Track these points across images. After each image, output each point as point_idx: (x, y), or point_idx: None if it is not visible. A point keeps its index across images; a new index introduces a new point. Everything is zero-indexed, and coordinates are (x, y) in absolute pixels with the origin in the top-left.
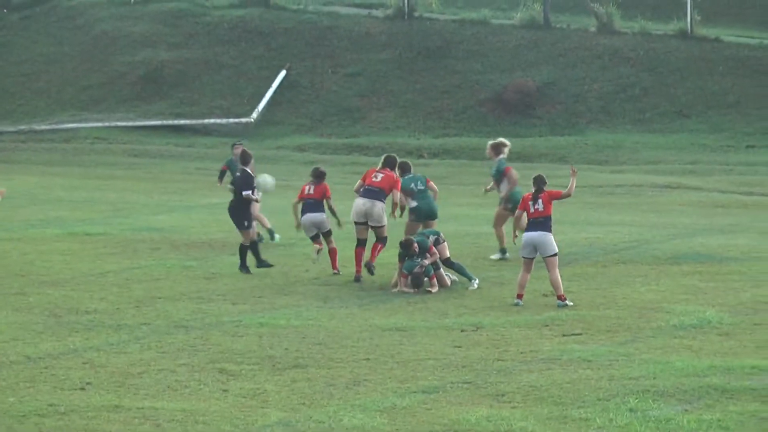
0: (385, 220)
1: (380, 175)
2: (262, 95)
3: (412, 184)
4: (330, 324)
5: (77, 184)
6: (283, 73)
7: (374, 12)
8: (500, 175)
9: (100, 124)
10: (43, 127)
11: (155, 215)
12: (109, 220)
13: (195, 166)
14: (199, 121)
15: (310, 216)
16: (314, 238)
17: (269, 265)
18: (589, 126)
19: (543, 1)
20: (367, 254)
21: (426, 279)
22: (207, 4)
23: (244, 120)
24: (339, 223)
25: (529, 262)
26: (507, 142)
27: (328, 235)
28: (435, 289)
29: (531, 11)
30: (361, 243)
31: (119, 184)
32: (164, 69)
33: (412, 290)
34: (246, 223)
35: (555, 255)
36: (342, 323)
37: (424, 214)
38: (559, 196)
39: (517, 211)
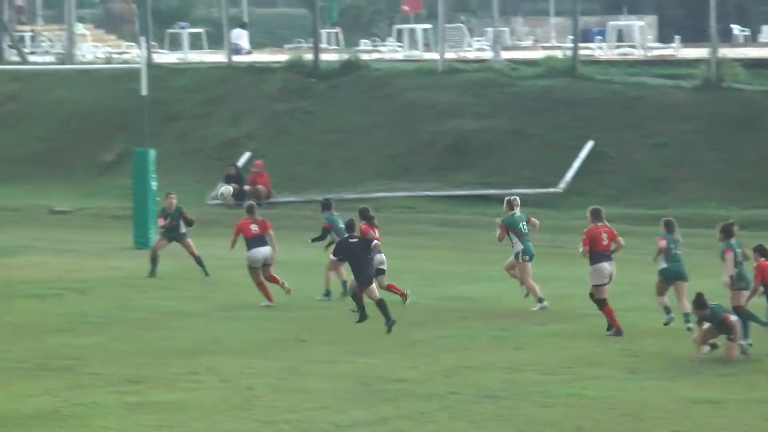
0: None
1: (605, 234)
2: (568, 165)
3: (672, 245)
4: (639, 395)
5: (386, 253)
6: (590, 143)
7: (681, 83)
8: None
9: (407, 194)
10: (351, 196)
11: (463, 284)
12: (417, 288)
13: None
14: (506, 191)
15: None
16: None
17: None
18: None
19: None
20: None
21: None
22: (513, 75)
23: (551, 190)
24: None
25: None
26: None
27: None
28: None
29: None
30: (606, 301)
31: (428, 253)
32: (471, 139)
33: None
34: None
35: None
36: (650, 395)
37: (672, 275)
38: None
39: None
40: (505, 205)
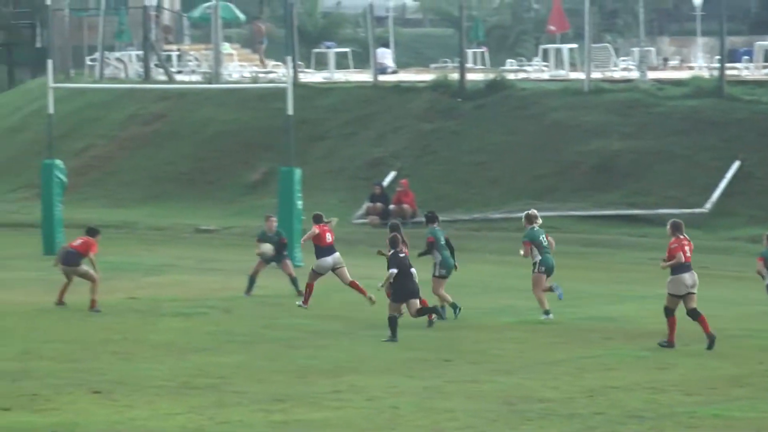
0: None
1: (687, 247)
2: (714, 186)
3: None
4: None
5: (526, 274)
6: (737, 163)
7: None
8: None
9: (552, 213)
10: (497, 215)
11: (607, 305)
12: (561, 308)
13: (647, 257)
14: (652, 212)
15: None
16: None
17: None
18: None
19: None
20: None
21: None
22: (660, 95)
23: (697, 210)
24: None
25: None
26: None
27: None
28: None
29: None
30: (673, 312)
31: (572, 273)
32: (617, 159)
33: None
34: None
35: None
36: None
37: None
38: None
39: None
40: (524, 220)
